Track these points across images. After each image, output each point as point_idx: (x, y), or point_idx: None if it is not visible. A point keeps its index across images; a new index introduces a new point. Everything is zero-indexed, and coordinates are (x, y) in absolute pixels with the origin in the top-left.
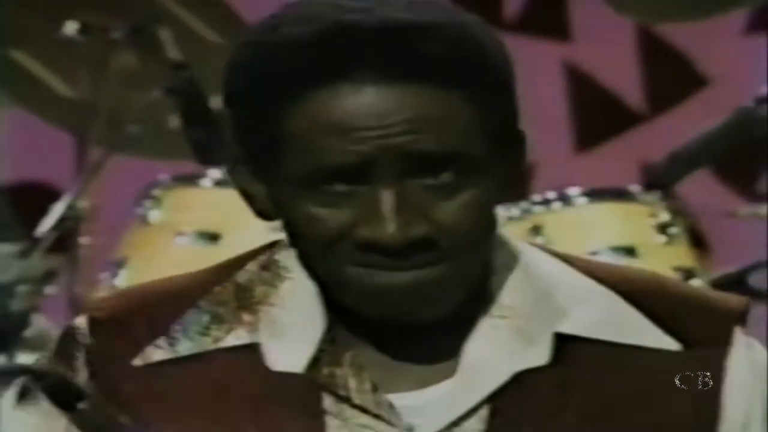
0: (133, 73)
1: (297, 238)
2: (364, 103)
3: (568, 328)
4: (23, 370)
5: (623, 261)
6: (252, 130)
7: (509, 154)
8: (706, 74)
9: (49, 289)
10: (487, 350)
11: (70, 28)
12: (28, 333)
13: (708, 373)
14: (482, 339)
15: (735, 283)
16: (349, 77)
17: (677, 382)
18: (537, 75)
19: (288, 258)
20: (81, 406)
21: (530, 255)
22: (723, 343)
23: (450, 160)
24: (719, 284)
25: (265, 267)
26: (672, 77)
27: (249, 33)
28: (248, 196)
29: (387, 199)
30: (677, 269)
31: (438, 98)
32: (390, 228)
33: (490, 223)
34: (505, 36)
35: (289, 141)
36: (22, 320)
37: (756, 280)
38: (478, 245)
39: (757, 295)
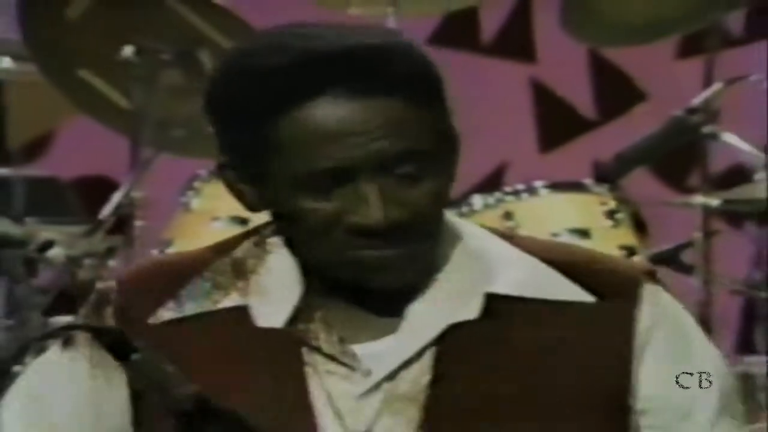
0: (177, 88)
1: (289, 227)
2: (341, 114)
3: (495, 288)
4: (87, 327)
5: (579, 241)
6: (239, 141)
7: (452, 148)
8: (644, 90)
9: (110, 263)
10: (427, 307)
11: (128, 51)
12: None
13: (619, 320)
14: (424, 299)
15: (669, 258)
16: (324, 93)
17: (593, 328)
18: (508, 90)
19: (274, 237)
20: (134, 357)
21: (468, 231)
22: (632, 294)
23: (413, 156)
24: (656, 259)
25: (257, 244)
26: (617, 92)
27: (225, 63)
28: (237, 193)
29: (371, 191)
30: (622, 247)
31: (398, 106)
32: (376, 215)
33: (445, 205)
34: (482, 58)
35: (277, 150)
36: (88, 287)
37: (687, 256)
38: (438, 224)
39: (687, 268)
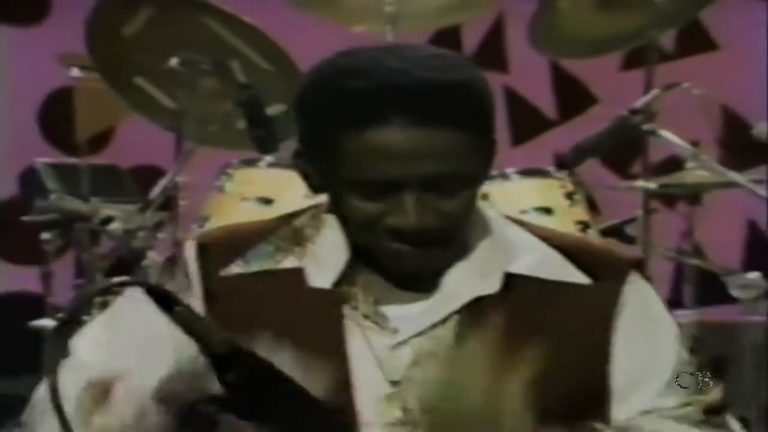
0: (213, 92)
1: (342, 214)
2: (398, 139)
3: (514, 268)
4: (140, 282)
5: (543, 217)
6: (316, 143)
7: (489, 166)
8: (596, 95)
9: (158, 235)
10: (456, 281)
11: (173, 61)
12: (144, 263)
13: (607, 299)
14: (454, 274)
15: (616, 231)
16: (388, 121)
17: (586, 305)
18: None
19: (327, 216)
20: (176, 308)
21: (492, 218)
22: (621, 278)
23: (456, 177)
24: (605, 232)
25: (313, 217)
26: (573, 97)
27: (314, 76)
28: (305, 176)
29: (409, 201)
30: (578, 222)
31: (449, 136)
32: (411, 221)
33: (473, 209)
34: None
35: (344, 156)
36: (141, 254)
37: (630, 229)
38: (465, 227)
39: (630, 239)
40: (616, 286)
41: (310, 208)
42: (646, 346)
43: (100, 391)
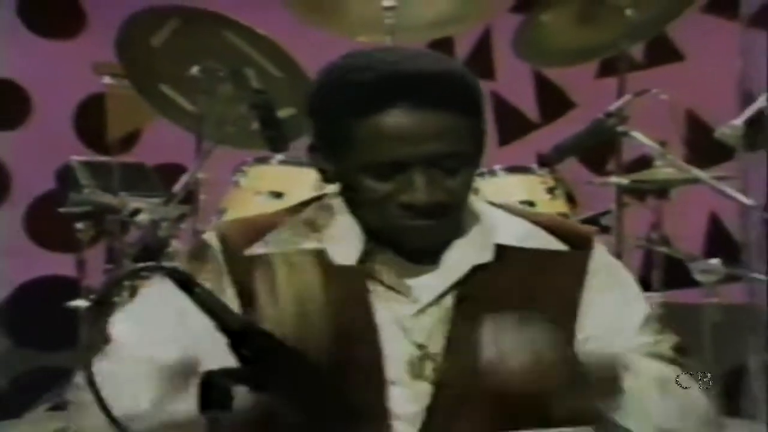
0: (231, 97)
1: (355, 198)
2: (404, 122)
3: (503, 240)
4: (164, 268)
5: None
6: (331, 134)
7: (482, 148)
8: (574, 100)
9: (181, 225)
10: (457, 255)
11: (194, 70)
12: (168, 250)
13: (580, 262)
14: (454, 249)
15: (592, 222)
16: (394, 106)
17: (565, 268)
18: None
19: (336, 204)
20: (196, 290)
21: (482, 204)
22: (589, 246)
23: (457, 156)
24: (583, 223)
25: (322, 208)
26: (554, 101)
27: (325, 75)
28: (320, 170)
29: (419, 179)
30: (558, 214)
31: (450, 117)
32: (422, 197)
33: (471, 189)
34: None
35: (357, 142)
36: (165, 242)
37: (605, 220)
38: (464, 206)
39: (605, 229)
40: (586, 252)
41: (314, 199)
42: (617, 296)
43: (178, 378)
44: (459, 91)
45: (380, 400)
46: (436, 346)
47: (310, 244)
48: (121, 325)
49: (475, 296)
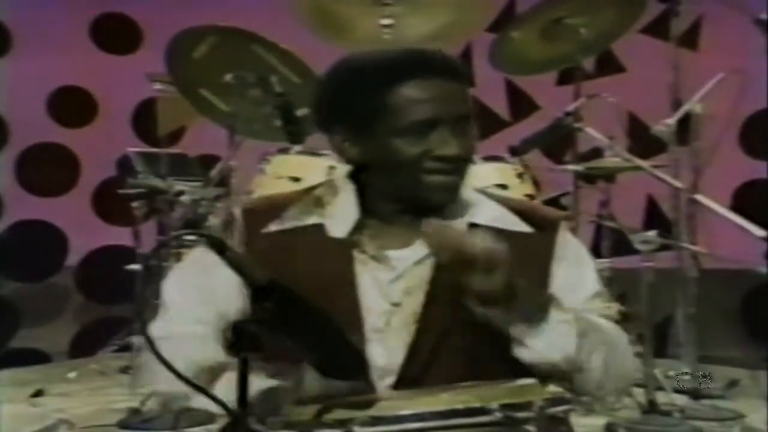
0: (258, 99)
1: (386, 165)
2: (430, 87)
3: (477, 219)
4: (200, 234)
5: (500, 191)
6: (360, 110)
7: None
8: (538, 103)
9: (217, 204)
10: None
11: (228, 77)
12: (206, 224)
13: (546, 243)
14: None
15: (553, 202)
16: (417, 76)
17: (532, 248)
18: None
19: (340, 184)
20: (227, 253)
21: (465, 189)
22: (554, 229)
23: (467, 117)
24: (545, 203)
25: (329, 185)
26: (522, 104)
27: (344, 65)
28: (340, 150)
29: (450, 134)
30: (526, 195)
31: (457, 86)
32: (455, 149)
33: None
34: None
35: (390, 109)
36: (204, 218)
37: (564, 200)
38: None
39: (564, 208)
40: (551, 234)
41: (324, 182)
42: (575, 270)
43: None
44: (457, 65)
45: (360, 347)
46: (414, 304)
47: (313, 220)
48: (169, 288)
49: (443, 268)
